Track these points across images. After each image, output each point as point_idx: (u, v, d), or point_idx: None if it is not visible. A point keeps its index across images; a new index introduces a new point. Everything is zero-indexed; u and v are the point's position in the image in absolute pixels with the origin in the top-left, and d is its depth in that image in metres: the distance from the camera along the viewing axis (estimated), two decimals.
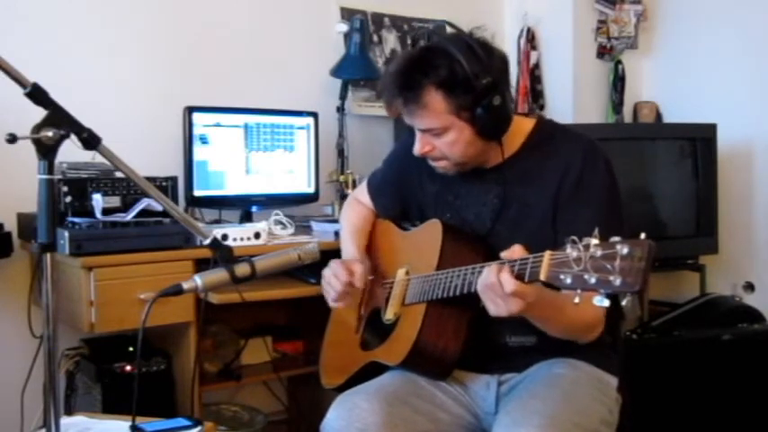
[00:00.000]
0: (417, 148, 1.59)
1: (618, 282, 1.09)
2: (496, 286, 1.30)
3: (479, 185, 1.66)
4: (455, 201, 1.71)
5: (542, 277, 1.22)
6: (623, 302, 1.11)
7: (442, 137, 1.55)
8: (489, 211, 1.65)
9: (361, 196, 2.00)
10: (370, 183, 1.98)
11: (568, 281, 1.16)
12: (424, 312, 1.58)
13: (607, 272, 1.10)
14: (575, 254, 1.15)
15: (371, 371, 1.70)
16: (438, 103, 1.51)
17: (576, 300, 1.16)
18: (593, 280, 1.12)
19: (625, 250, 1.09)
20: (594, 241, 1.14)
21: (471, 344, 1.58)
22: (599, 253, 1.12)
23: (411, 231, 1.83)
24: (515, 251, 1.31)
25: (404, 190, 1.86)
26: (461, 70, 1.48)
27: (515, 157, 1.63)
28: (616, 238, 1.11)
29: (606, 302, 1.12)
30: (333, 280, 1.73)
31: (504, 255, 1.33)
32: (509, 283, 1.28)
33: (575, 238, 1.16)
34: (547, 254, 1.22)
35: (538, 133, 1.65)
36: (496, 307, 1.32)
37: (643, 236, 1.09)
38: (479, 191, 1.66)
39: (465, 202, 1.69)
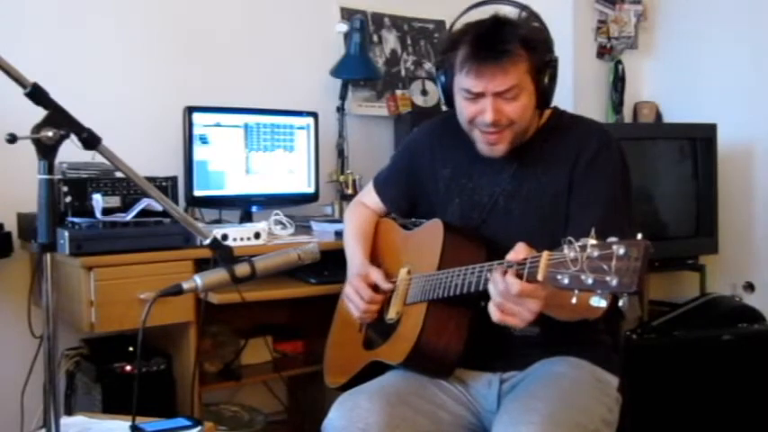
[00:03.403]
0: (490, 116, 1.56)
1: (614, 282, 1.09)
2: (504, 292, 1.29)
3: (494, 167, 1.68)
4: (468, 183, 1.73)
5: (540, 278, 1.22)
6: (620, 303, 1.11)
7: (515, 100, 1.57)
8: (502, 191, 1.67)
9: (365, 198, 2.00)
10: (377, 179, 1.99)
11: (566, 281, 1.16)
12: (426, 311, 1.58)
13: (603, 272, 1.10)
14: (572, 254, 1.15)
15: (374, 370, 1.70)
16: (523, 59, 1.55)
17: (574, 300, 1.16)
18: (589, 281, 1.12)
19: (621, 251, 1.09)
20: (592, 241, 1.14)
21: (475, 338, 1.58)
22: (596, 253, 1.12)
23: (413, 231, 1.83)
24: (519, 252, 1.31)
25: (414, 178, 1.87)
26: (539, 33, 1.63)
27: (532, 141, 1.67)
28: (613, 239, 1.12)
29: (603, 303, 1.12)
30: (355, 298, 1.76)
31: (509, 257, 1.33)
32: (515, 284, 1.28)
33: (571, 238, 1.16)
34: (545, 254, 1.23)
35: (554, 120, 1.71)
36: (516, 316, 1.30)
37: (640, 236, 1.10)
38: (493, 171, 1.69)
39: (479, 184, 1.71)
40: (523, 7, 1.73)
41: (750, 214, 3.16)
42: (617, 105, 3.42)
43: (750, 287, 3.04)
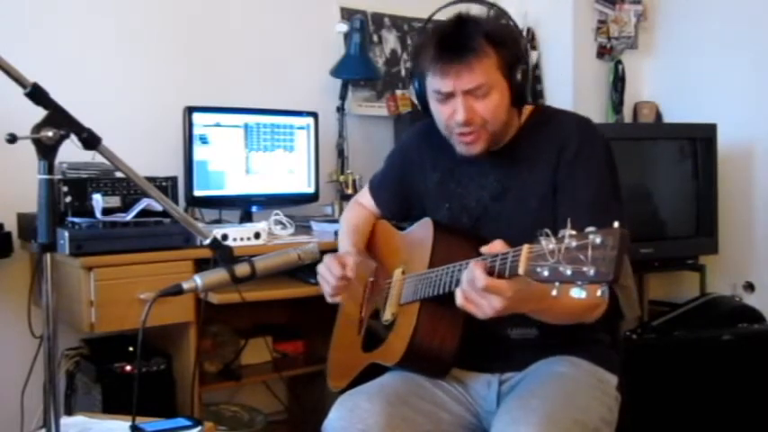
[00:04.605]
0: (461, 114, 1.54)
1: (592, 272, 1.08)
2: (471, 283, 1.30)
3: (479, 171, 1.67)
4: (457, 188, 1.72)
5: (521, 271, 1.21)
6: (599, 293, 1.10)
7: (486, 98, 1.54)
8: (489, 195, 1.66)
9: (362, 199, 2.01)
10: (372, 182, 1.99)
11: (545, 273, 1.15)
12: (418, 311, 1.58)
13: (581, 263, 1.09)
14: (550, 246, 1.14)
15: (373, 373, 1.69)
16: (489, 55, 1.52)
17: (554, 292, 1.14)
18: (568, 272, 1.11)
19: (598, 240, 1.08)
20: (569, 232, 1.13)
21: (472, 340, 1.58)
22: (573, 244, 1.11)
23: (405, 232, 1.83)
24: (495, 245, 1.32)
25: (406, 183, 1.86)
26: (506, 29, 1.60)
27: (514, 140, 1.65)
28: (590, 228, 1.11)
29: (584, 294, 1.11)
30: (327, 274, 1.74)
31: (483, 249, 1.34)
32: (480, 278, 1.28)
33: (547, 230, 1.16)
34: (525, 247, 1.22)
35: (535, 117, 1.67)
36: (478, 308, 1.32)
37: (616, 224, 1.09)
38: (479, 175, 1.68)
39: (467, 188, 1.70)
40: (491, 5, 1.72)
41: (750, 214, 3.16)
42: (617, 105, 3.43)
43: (750, 287, 3.04)
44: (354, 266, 1.72)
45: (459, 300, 1.35)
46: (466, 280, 1.33)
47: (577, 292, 1.11)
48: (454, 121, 1.56)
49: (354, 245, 1.85)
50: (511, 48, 1.55)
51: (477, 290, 1.30)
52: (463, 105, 1.54)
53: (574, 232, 1.12)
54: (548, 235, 1.15)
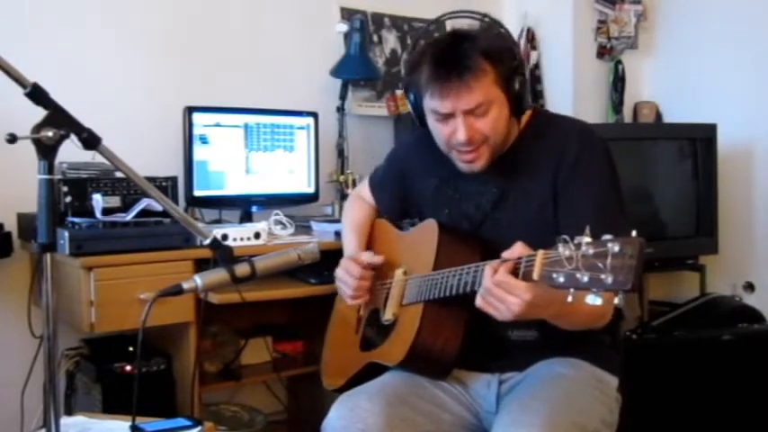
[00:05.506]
0: (462, 135, 1.53)
1: (610, 280, 1.09)
2: (491, 282, 1.30)
3: (478, 178, 1.66)
4: (454, 195, 1.71)
5: (535, 276, 1.22)
6: (616, 300, 1.11)
7: (486, 115, 1.53)
8: (489, 202, 1.65)
9: (363, 192, 2.01)
10: (372, 179, 1.99)
11: (561, 280, 1.16)
12: (422, 312, 1.58)
13: (599, 270, 1.10)
14: (567, 252, 1.15)
15: (371, 372, 1.70)
16: (487, 72, 1.51)
17: (570, 298, 1.15)
18: (585, 279, 1.12)
19: (616, 248, 1.09)
20: (587, 239, 1.13)
21: (473, 341, 1.58)
22: (591, 251, 1.12)
23: (408, 232, 1.83)
24: (515, 250, 1.32)
25: (404, 186, 1.86)
26: (501, 41, 1.58)
27: (513, 147, 1.65)
28: (608, 236, 1.11)
29: (599, 300, 1.12)
30: (345, 276, 1.75)
31: (505, 254, 1.33)
32: (501, 275, 1.29)
33: (566, 237, 1.16)
34: (540, 253, 1.22)
35: (534, 122, 1.66)
36: (497, 310, 1.33)
37: (634, 233, 1.09)
38: (478, 182, 1.67)
39: (465, 195, 1.69)
40: (484, 16, 1.71)
41: (750, 214, 3.16)
42: (617, 105, 3.43)
43: (750, 287, 3.04)
44: (372, 258, 1.75)
45: (479, 300, 1.35)
46: (486, 279, 1.33)
47: (592, 299, 1.12)
48: (455, 140, 1.55)
49: (359, 242, 1.87)
50: (508, 60, 1.54)
51: (497, 289, 1.30)
52: (464, 125, 1.53)
53: (590, 239, 1.13)
54: (566, 241, 1.15)
